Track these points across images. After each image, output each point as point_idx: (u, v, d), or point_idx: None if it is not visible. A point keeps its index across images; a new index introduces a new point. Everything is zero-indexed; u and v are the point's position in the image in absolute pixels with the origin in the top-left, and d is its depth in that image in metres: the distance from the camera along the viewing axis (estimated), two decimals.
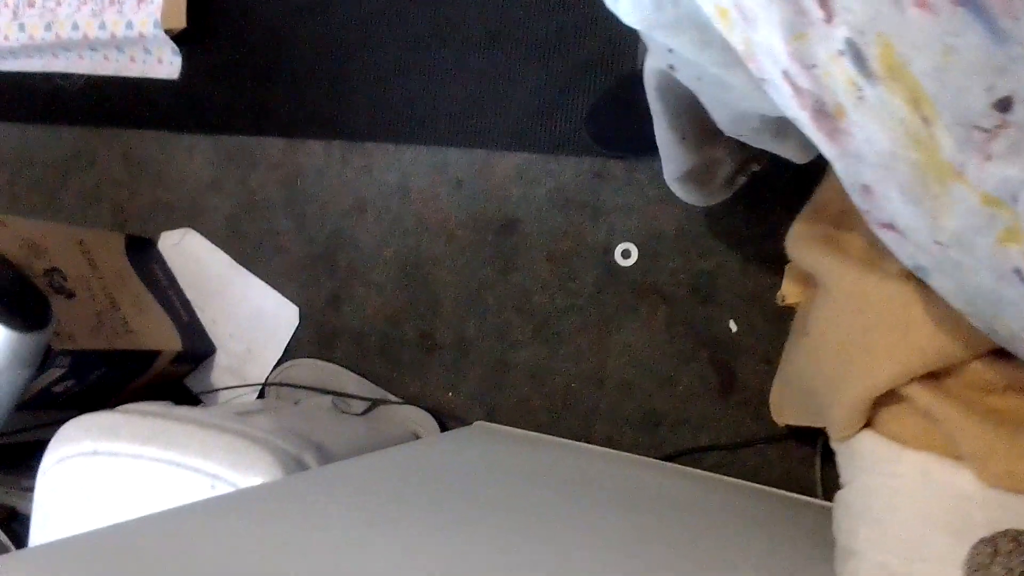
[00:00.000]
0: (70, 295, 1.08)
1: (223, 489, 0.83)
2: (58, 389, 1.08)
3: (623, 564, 0.60)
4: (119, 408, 0.92)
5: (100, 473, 0.87)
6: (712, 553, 0.68)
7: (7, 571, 0.46)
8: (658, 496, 0.89)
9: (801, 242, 0.61)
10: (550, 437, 1.06)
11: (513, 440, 1.03)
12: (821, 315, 0.56)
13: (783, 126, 0.56)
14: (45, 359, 0.99)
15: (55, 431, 1.18)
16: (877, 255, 0.52)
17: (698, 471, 1.00)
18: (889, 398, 0.52)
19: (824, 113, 0.40)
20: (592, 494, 0.85)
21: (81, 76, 1.33)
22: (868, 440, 0.53)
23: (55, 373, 1.04)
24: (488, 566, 0.56)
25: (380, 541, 0.59)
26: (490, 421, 1.10)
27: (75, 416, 0.92)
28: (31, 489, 1.06)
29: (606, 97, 1.03)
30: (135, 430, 0.87)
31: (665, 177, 0.88)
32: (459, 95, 1.12)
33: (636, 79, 1.03)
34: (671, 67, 0.57)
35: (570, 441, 1.05)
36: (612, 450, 1.03)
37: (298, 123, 1.21)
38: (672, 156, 0.81)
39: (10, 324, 0.92)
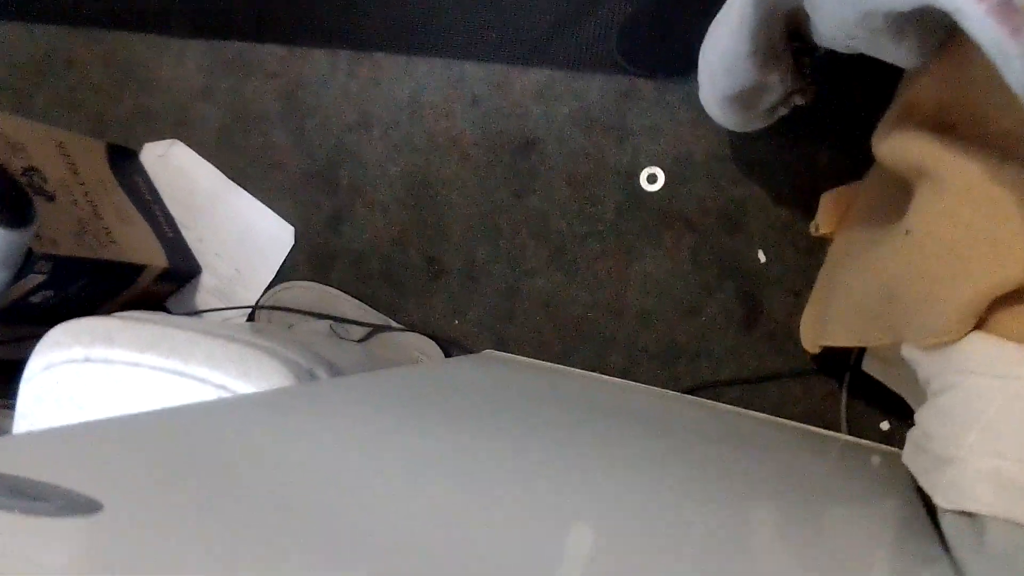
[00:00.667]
0: (51, 198, 1.00)
1: None
2: (36, 299, 1.00)
3: (644, 486, 0.57)
4: (113, 315, 0.85)
5: (92, 381, 0.80)
6: (734, 480, 0.65)
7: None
8: (677, 424, 0.85)
9: (900, 136, 0.57)
10: (563, 367, 1.02)
11: (524, 368, 0.99)
12: (931, 209, 0.52)
13: (904, 26, 0.52)
14: (26, 263, 0.91)
15: (29, 347, 1.10)
16: (1015, 143, 0.48)
17: (718, 403, 0.97)
18: (1012, 296, 0.48)
19: (1010, 6, 0.38)
20: (609, 421, 0.81)
21: None
22: (980, 342, 0.50)
23: (35, 280, 0.96)
24: (510, 484, 0.52)
25: (401, 450, 0.54)
26: (500, 350, 1.05)
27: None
28: (5, 405, 0.99)
29: (641, 12, 0.98)
30: (132, 336, 0.80)
31: (707, 96, 0.83)
32: (480, 4, 1.06)
33: None
34: None
35: (585, 371, 1.01)
36: (629, 381, 0.99)
37: (301, 30, 1.13)
38: (732, 70, 0.76)
39: None
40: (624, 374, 1.00)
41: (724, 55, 0.74)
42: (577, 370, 1.01)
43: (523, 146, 1.05)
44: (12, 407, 0.96)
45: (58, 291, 1.01)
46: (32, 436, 0.44)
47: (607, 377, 1.00)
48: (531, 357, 1.04)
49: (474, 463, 0.55)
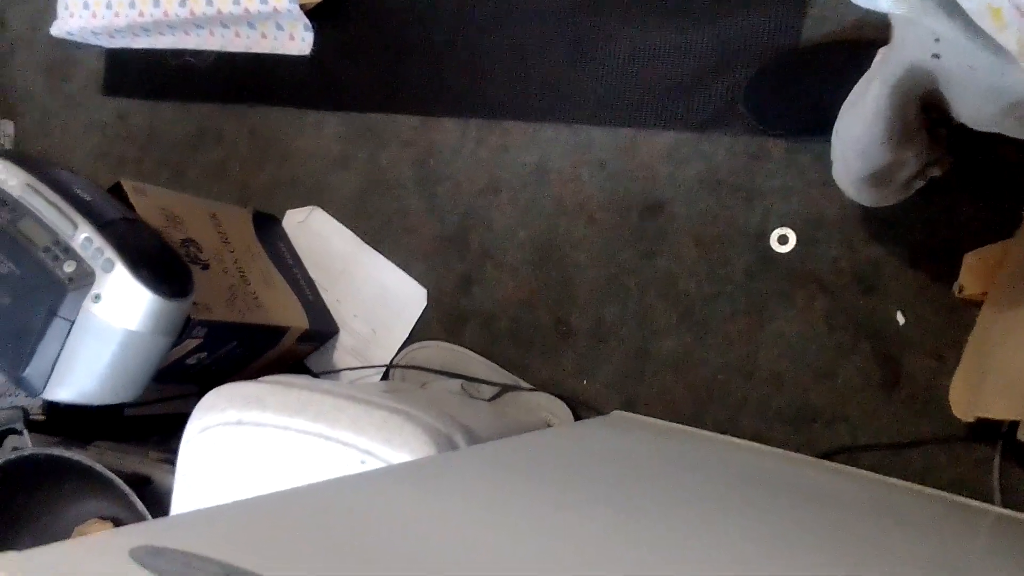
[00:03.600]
0: (205, 266, 1.07)
1: (374, 465, 0.80)
2: (191, 361, 1.07)
3: (784, 560, 0.55)
4: (262, 379, 0.90)
5: (245, 444, 0.85)
6: (877, 554, 0.63)
7: (172, 531, 0.43)
8: (815, 491, 0.83)
9: None
10: (695, 429, 1.01)
11: (655, 431, 0.99)
12: None
13: None
14: (184, 329, 0.98)
15: (182, 404, 1.17)
16: None
17: (858, 470, 0.94)
18: None
19: None
20: (745, 488, 0.79)
21: (211, 52, 1.32)
22: None
23: (191, 344, 1.02)
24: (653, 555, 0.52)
25: (538, 522, 0.55)
26: (629, 411, 1.05)
27: (198, 391, 0.90)
28: (163, 460, 1.06)
29: (767, 71, 0.98)
30: (282, 401, 0.85)
31: (840, 176, 0.83)
32: (607, 70, 1.08)
33: (801, 55, 0.98)
34: (936, 56, 0.53)
35: (716, 434, 1.00)
36: (763, 445, 0.97)
37: (432, 100, 1.18)
38: (865, 155, 0.76)
39: (157, 290, 0.90)
40: (756, 438, 0.99)
41: (857, 141, 0.74)
42: (708, 432, 1.00)
43: (650, 208, 1.06)
44: (170, 461, 1.03)
45: (211, 353, 1.07)
46: (196, 514, 0.47)
47: (738, 440, 0.98)
48: (661, 418, 1.04)
49: (609, 533, 0.55)
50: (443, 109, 1.17)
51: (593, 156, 1.09)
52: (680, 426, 1.01)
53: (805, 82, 0.94)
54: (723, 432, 1.01)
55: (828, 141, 0.83)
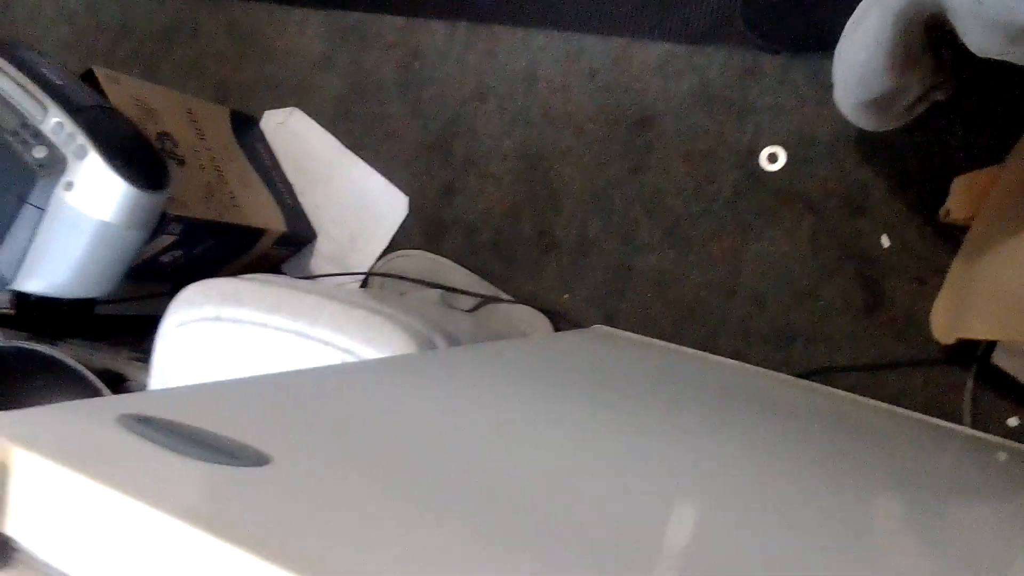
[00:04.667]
0: (180, 162, 1.04)
1: None
2: (165, 259, 1.04)
3: (757, 469, 0.56)
4: (241, 276, 0.88)
5: (222, 339, 0.84)
6: (850, 468, 0.64)
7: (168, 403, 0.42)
8: (791, 409, 0.84)
9: None
10: (674, 345, 1.01)
11: (635, 345, 0.99)
12: None
13: None
14: (159, 224, 0.95)
15: (155, 304, 1.15)
16: None
17: (833, 389, 0.95)
18: None
19: None
20: (722, 401, 0.80)
21: None
22: None
23: (166, 240, 1.00)
24: (626, 455, 0.52)
25: (521, 414, 0.55)
26: (609, 326, 1.05)
27: (171, 292, 0.88)
28: (136, 359, 1.04)
29: None
30: (260, 297, 0.83)
31: (840, 99, 0.82)
32: None
33: None
34: None
35: (695, 351, 1.00)
36: (741, 362, 0.98)
37: (419, 1, 1.14)
38: (867, 80, 0.74)
39: (133, 181, 0.87)
40: (735, 356, 0.99)
41: (860, 66, 0.72)
42: (688, 349, 1.00)
43: (640, 121, 1.04)
44: (144, 360, 1.01)
45: (186, 251, 1.05)
46: (203, 388, 0.46)
47: (717, 357, 0.98)
48: (640, 334, 1.04)
49: (590, 433, 0.55)
50: (431, 10, 1.13)
51: (584, 65, 1.06)
52: (660, 342, 1.01)
53: None
54: (703, 350, 1.01)
55: (827, 59, 0.81)
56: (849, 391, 0.95)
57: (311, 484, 0.36)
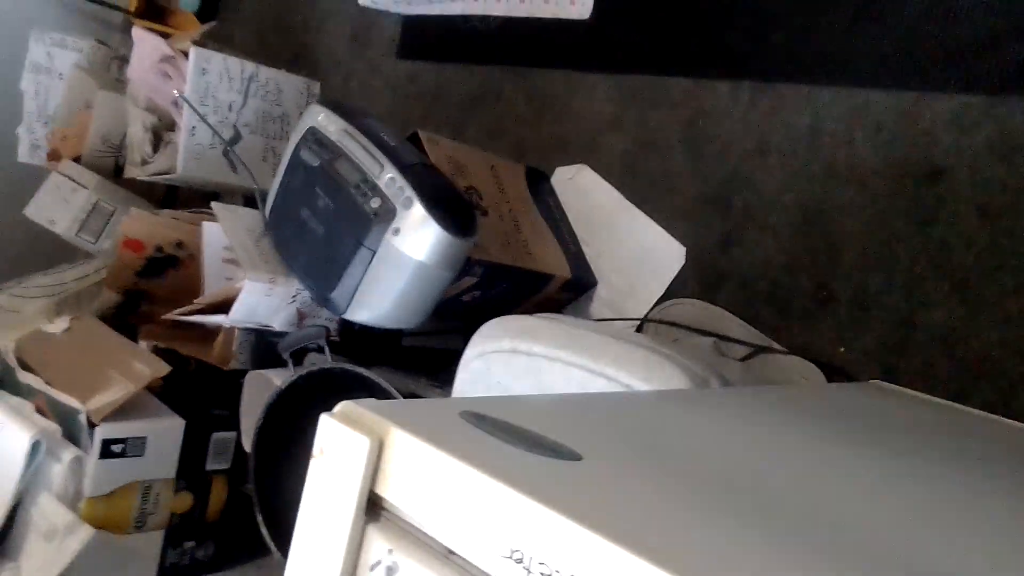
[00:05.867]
0: (484, 212, 1.17)
1: None
2: (466, 298, 1.17)
3: None
4: (536, 314, 0.98)
5: (517, 370, 0.93)
6: None
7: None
8: None
9: None
10: (960, 405, 0.97)
11: (915, 402, 0.96)
12: None
13: None
14: (464, 267, 1.08)
15: (451, 340, 1.29)
16: None
17: None
18: None
19: None
20: (1017, 467, 0.76)
21: (497, 18, 1.42)
22: None
23: (468, 281, 1.13)
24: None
25: (794, 452, 0.57)
26: (887, 381, 1.03)
27: (464, 329, 0.99)
28: (434, 385, 1.17)
29: None
30: (552, 334, 0.92)
31: None
32: (893, 30, 1.05)
33: None
34: None
35: (985, 413, 0.95)
36: None
37: (706, 63, 1.20)
38: None
39: (447, 228, 1.00)
40: None
41: None
42: (976, 411, 0.96)
43: (929, 175, 1.02)
44: (440, 388, 1.14)
45: (484, 292, 1.17)
46: (522, 399, 0.54)
47: (1012, 422, 0.93)
48: (922, 392, 1.01)
49: (869, 480, 0.56)
50: (716, 71, 1.19)
51: (870, 120, 1.07)
52: (944, 400, 0.98)
53: None
54: (993, 412, 0.96)
55: None
56: None
57: (617, 479, 0.43)
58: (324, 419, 0.45)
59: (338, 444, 0.44)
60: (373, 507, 0.44)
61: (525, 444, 0.44)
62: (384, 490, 0.43)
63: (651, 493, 0.42)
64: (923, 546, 0.44)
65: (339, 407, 0.46)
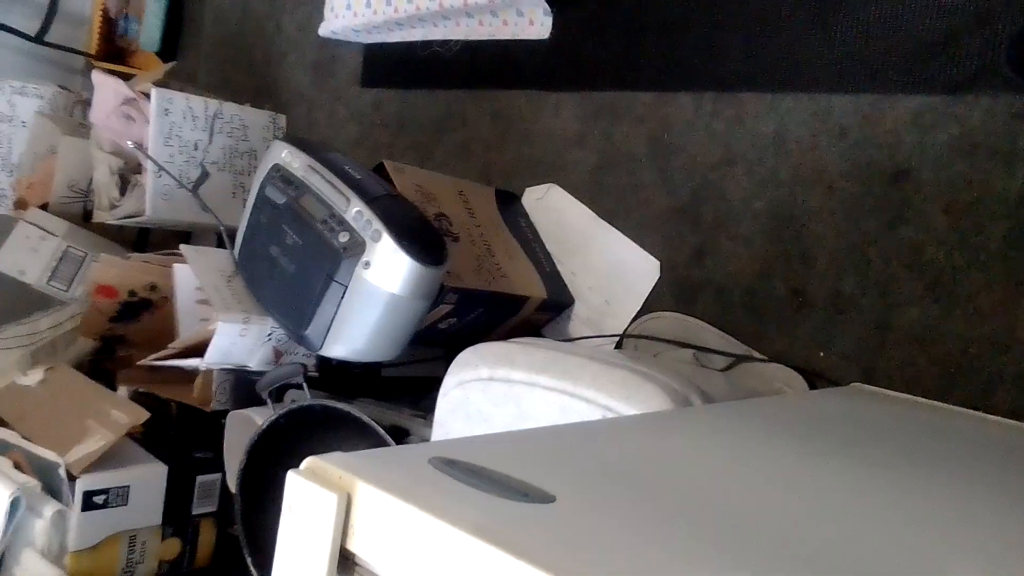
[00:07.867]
0: (455, 239, 1.16)
1: None
2: (442, 325, 1.16)
3: None
4: (512, 340, 0.97)
5: (496, 398, 0.93)
6: None
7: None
8: None
9: None
10: (941, 403, 0.97)
11: (896, 403, 0.96)
12: None
13: None
14: (439, 295, 1.07)
15: (431, 368, 1.28)
16: None
17: None
18: None
19: None
20: (1001, 463, 0.76)
21: (457, 42, 1.42)
22: None
23: (444, 309, 1.12)
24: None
25: (778, 470, 0.57)
26: (868, 384, 1.03)
27: (444, 356, 0.98)
28: (417, 416, 1.16)
29: None
30: (529, 359, 0.92)
31: None
32: (849, 35, 1.06)
33: None
34: None
35: (966, 409, 0.95)
36: (1020, 422, 0.92)
37: (667, 76, 1.21)
38: None
39: (418, 258, 1.00)
40: (1014, 414, 0.93)
41: None
42: (957, 408, 0.96)
43: (894, 176, 1.02)
44: (422, 417, 1.13)
45: (460, 318, 1.17)
46: (493, 438, 0.54)
47: (994, 417, 0.93)
48: (903, 392, 1.01)
49: (850, 489, 0.56)
50: (678, 84, 1.19)
51: (833, 124, 1.07)
52: (925, 400, 0.98)
53: None
54: (974, 408, 0.96)
55: None
56: None
57: (592, 521, 0.42)
58: (291, 476, 0.44)
59: (306, 501, 0.43)
60: (345, 562, 0.43)
61: (496, 489, 0.43)
62: (354, 545, 0.42)
63: (628, 535, 0.41)
64: (913, 557, 0.43)
65: (305, 463, 0.45)
